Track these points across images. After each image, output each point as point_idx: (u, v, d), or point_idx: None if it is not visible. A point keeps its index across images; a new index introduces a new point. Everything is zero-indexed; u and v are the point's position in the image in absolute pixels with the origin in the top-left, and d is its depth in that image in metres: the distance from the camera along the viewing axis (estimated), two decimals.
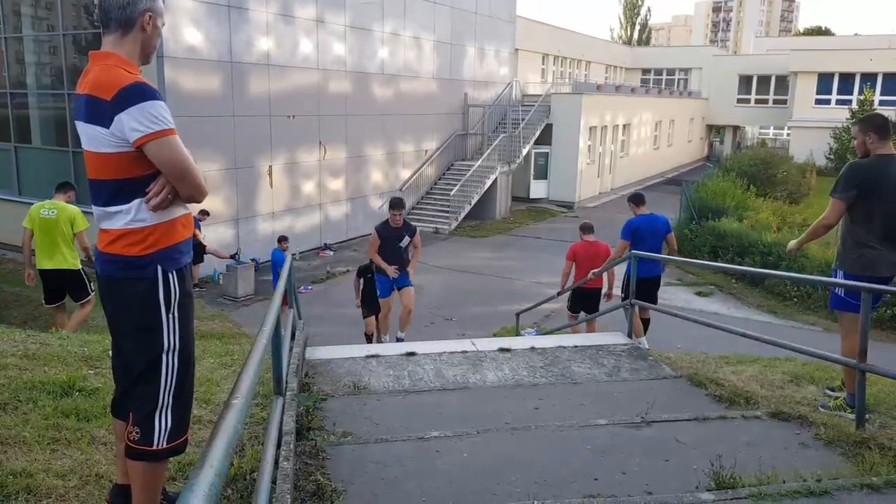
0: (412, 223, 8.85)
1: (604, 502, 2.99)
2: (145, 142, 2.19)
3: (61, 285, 6.83)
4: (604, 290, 8.61)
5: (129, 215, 2.28)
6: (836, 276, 4.71)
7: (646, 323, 7.86)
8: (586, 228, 8.82)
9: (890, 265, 4.41)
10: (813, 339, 10.97)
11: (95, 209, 2.36)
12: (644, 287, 7.04)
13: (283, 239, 12.14)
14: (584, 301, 8.64)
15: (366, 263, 9.03)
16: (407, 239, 8.48)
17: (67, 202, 6.81)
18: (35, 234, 6.67)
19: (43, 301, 6.93)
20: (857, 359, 4.01)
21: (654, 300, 7.43)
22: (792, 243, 5.31)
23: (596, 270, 8.13)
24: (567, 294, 8.91)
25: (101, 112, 2.20)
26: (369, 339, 9.06)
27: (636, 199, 7.96)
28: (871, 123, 4.51)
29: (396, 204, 8.36)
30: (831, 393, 4.98)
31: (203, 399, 4.08)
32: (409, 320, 8.82)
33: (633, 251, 6.91)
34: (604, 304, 8.55)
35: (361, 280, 9.07)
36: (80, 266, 6.80)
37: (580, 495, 3.09)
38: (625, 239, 7.63)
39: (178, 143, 2.26)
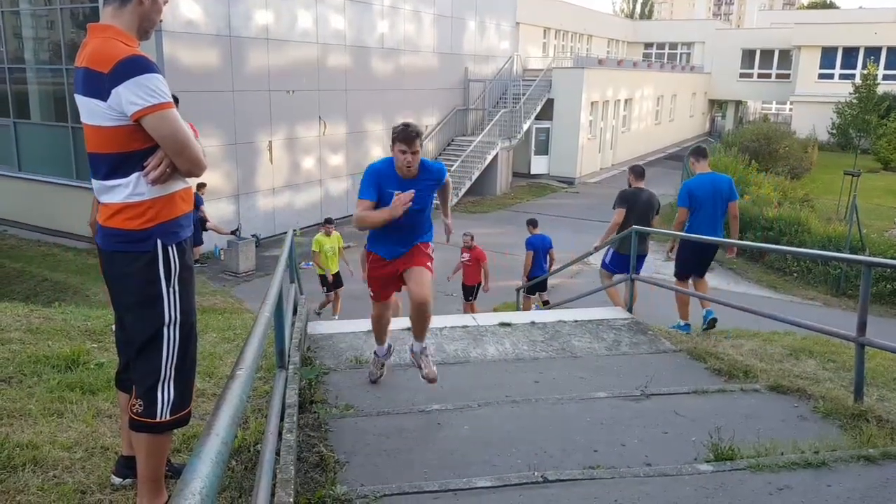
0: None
1: (603, 473, 3.02)
2: (143, 115, 2.17)
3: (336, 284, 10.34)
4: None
5: (128, 189, 2.28)
6: (608, 253, 7.72)
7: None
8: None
9: (640, 249, 7.04)
10: (811, 314, 11.01)
11: (95, 183, 2.35)
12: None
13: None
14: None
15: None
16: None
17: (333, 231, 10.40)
18: (321, 253, 10.12)
19: (325, 292, 10.33)
20: (856, 333, 4.04)
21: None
22: (595, 243, 8.07)
23: (597, 245, 8.25)
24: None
25: (99, 85, 2.18)
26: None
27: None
28: (633, 171, 7.61)
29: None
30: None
31: (206, 373, 4.11)
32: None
33: (635, 227, 6.92)
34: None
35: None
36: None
37: (580, 467, 3.13)
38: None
39: (176, 116, 2.24)
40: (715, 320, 6.76)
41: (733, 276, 14.57)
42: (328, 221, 10.32)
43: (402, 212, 3.74)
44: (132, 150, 2.25)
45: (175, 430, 2.60)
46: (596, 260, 9.55)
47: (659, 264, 12.22)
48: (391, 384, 4.53)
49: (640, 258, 7.25)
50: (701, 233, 6.64)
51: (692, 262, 7.00)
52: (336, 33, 18.04)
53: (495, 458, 3.28)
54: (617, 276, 7.57)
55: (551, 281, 11.32)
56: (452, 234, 4.47)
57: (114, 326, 2.72)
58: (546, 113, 25.55)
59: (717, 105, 45.48)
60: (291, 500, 2.44)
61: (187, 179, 2.42)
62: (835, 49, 34.92)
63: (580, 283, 12.39)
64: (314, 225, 18.07)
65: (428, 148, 22.48)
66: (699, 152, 7.00)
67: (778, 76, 38.93)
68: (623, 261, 7.31)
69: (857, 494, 2.88)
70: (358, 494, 2.76)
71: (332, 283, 10.28)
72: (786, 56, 38.18)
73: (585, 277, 13.16)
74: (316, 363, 4.85)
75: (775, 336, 6.28)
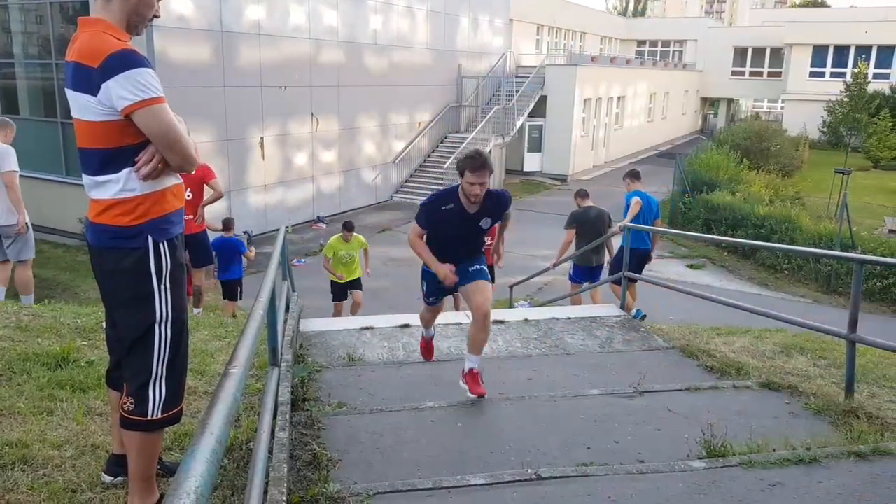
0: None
1: (597, 470, 3.03)
2: (133, 110, 2.15)
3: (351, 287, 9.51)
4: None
5: (119, 185, 2.25)
6: (572, 266, 8.67)
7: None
8: None
9: (592, 260, 8.35)
10: (803, 311, 11.07)
11: (85, 178, 2.32)
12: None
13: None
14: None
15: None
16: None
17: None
18: (333, 259, 9.20)
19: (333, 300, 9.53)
20: (848, 330, 4.06)
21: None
22: (553, 260, 8.94)
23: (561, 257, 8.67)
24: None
25: (89, 80, 2.15)
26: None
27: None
28: (577, 194, 8.57)
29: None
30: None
31: (198, 370, 4.09)
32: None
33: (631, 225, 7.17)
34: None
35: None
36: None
37: (573, 463, 3.13)
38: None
39: (167, 111, 2.22)
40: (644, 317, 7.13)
41: (725, 274, 14.63)
42: (346, 227, 9.05)
43: None
44: (123, 145, 2.23)
45: (167, 428, 2.58)
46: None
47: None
48: (384, 382, 4.53)
49: (598, 269, 8.44)
50: (637, 238, 7.61)
51: (633, 264, 7.47)
52: (329, 29, 17.98)
53: (489, 455, 3.27)
54: (585, 285, 8.58)
55: (544, 278, 11.44)
56: None
57: (104, 324, 2.70)
58: (539, 110, 25.55)
59: (709, 103, 45.62)
60: (284, 498, 2.43)
61: (179, 176, 2.40)
62: (826, 48, 35.09)
63: None
64: (306, 222, 18.06)
65: (421, 145, 22.46)
66: (634, 174, 8.23)
67: (769, 74, 39.11)
68: (584, 271, 8.52)
69: (847, 490, 2.89)
70: (351, 492, 2.75)
71: (348, 286, 9.25)
72: (777, 54, 38.34)
73: None
74: (308, 361, 4.84)
75: (767, 333, 6.30)
